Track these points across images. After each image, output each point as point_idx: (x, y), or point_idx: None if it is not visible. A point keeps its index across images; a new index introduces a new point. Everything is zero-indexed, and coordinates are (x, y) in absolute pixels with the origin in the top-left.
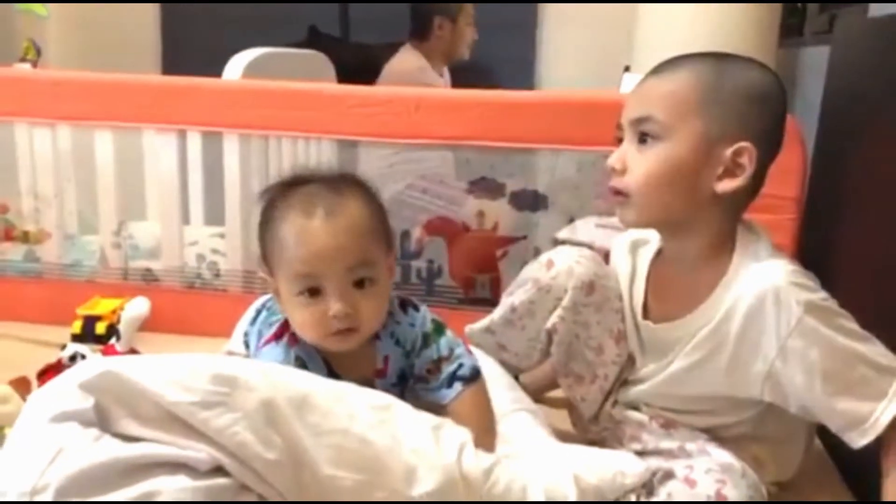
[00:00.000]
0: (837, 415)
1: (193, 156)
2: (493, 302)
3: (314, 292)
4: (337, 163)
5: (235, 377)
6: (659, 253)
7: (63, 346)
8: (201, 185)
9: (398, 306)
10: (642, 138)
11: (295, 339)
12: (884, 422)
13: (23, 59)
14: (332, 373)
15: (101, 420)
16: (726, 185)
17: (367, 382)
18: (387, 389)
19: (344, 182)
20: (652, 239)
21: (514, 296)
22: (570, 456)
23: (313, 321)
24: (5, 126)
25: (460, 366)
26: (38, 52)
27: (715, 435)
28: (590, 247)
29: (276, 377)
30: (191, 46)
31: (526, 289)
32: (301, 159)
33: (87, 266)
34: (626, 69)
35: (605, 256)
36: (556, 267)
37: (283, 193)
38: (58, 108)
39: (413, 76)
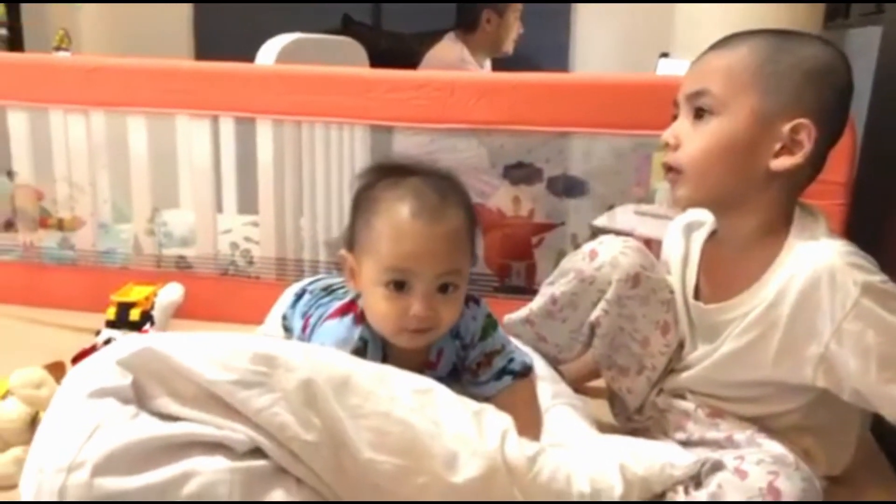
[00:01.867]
0: (892, 402)
1: (226, 142)
2: (528, 290)
3: (399, 286)
4: (371, 149)
5: (275, 357)
6: (713, 234)
7: (97, 332)
8: (234, 173)
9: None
10: (698, 113)
11: (362, 319)
12: None
13: (58, 48)
14: (386, 359)
15: (138, 397)
16: (783, 163)
17: (417, 372)
18: None
19: (448, 184)
20: (707, 221)
21: (555, 286)
22: (616, 446)
23: (393, 315)
24: (41, 113)
25: (511, 360)
26: (70, 41)
27: (763, 425)
28: (629, 234)
29: (316, 357)
30: (223, 34)
31: (568, 279)
32: (335, 145)
33: (120, 253)
34: (664, 55)
35: (646, 244)
36: (599, 258)
37: (386, 181)
38: (92, 94)
39: (454, 67)
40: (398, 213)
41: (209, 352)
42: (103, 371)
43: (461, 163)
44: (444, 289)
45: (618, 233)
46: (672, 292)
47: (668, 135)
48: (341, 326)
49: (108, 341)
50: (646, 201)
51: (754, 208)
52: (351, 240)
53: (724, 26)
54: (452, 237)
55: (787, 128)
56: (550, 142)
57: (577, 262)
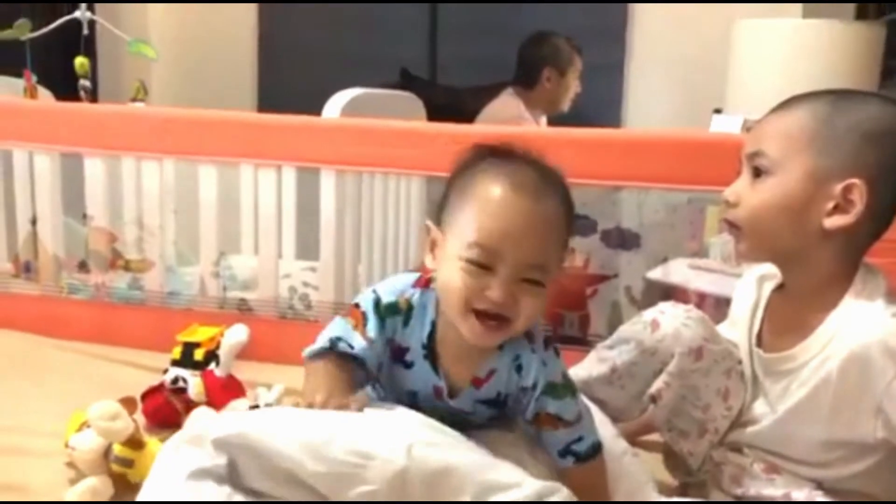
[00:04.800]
0: None
1: (287, 190)
2: (581, 340)
3: (483, 266)
4: (427, 199)
5: (371, 451)
6: (780, 286)
7: (165, 371)
8: (294, 220)
9: (543, 340)
10: (756, 172)
11: (424, 285)
12: None
13: (134, 99)
14: (433, 349)
15: (233, 476)
16: (836, 222)
17: (456, 387)
18: (471, 403)
19: (552, 172)
20: (775, 273)
21: (614, 353)
22: None
23: (468, 289)
24: (115, 160)
25: (580, 439)
26: (146, 93)
27: (821, 485)
28: (683, 289)
29: (416, 452)
30: (286, 88)
31: (628, 349)
32: (392, 195)
33: (186, 295)
34: (717, 111)
35: (701, 299)
36: (661, 329)
37: (493, 158)
38: (165, 143)
39: (511, 122)
40: (498, 185)
41: (303, 438)
42: (199, 449)
43: None
44: (527, 282)
45: (672, 287)
46: (739, 361)
47: (728, 192)
48: (403, 280)
49: (175, 379)
50: (699, 255)
51: (813, 264)
52: (440, 214)
53: (778, 82)
54: (551, 222)
55: (839, 188)
56: (604, 195)
57: (637, 331)
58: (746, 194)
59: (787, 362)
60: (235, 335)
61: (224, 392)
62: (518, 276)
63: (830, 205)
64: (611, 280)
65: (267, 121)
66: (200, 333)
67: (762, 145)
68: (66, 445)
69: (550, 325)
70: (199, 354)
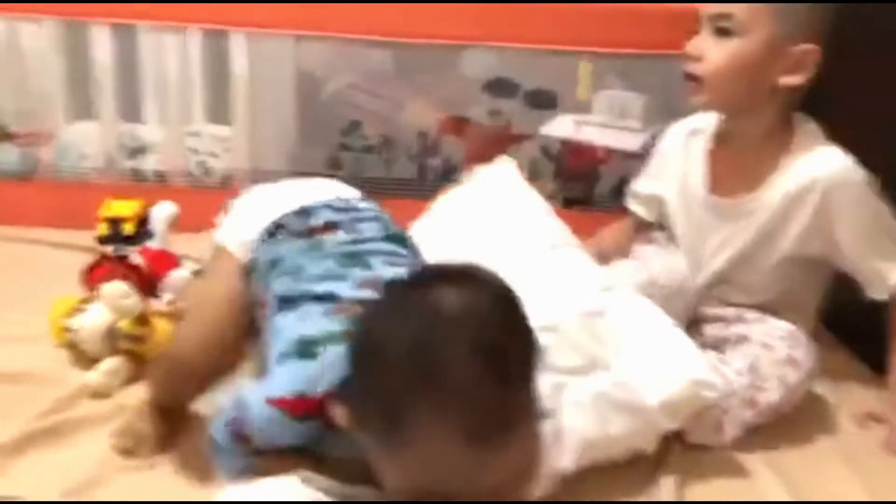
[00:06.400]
0: (878, 276)
1: (194, 54)
2: None
3: None
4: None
5: None
6: (717, 137)
7: (103, 248)
8: (200, 84)
9: None
10: (719, 32)
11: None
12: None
13: None
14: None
15: None
16: (788, 81)
17: None
18: None
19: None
20: (706, 127)
21: None
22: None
23: None
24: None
25: None
26: None
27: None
28: (590, 145)
29: None
30: None
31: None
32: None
33: (87, 168)
34: None
35: (607, 153)
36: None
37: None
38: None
39: None
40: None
41: None
42: None
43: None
44: None
45: (580, 143)
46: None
47: (691, 47)
48: (292, 428)
49: (116, 250)
50: (585, 111)
51: (762, 114)
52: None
53: None
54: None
55: (796, 51)
56: (528, 58)
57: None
58: (710, 51)
59: (748, 204)
60: (166, 209)
61: (163, 264)
62: None
63: (786, 65)
64: (531, 138)
65: None
66: (119, 207)
67: (730, 8)
68: (63, 329)
69: None
70: (128, 228)
